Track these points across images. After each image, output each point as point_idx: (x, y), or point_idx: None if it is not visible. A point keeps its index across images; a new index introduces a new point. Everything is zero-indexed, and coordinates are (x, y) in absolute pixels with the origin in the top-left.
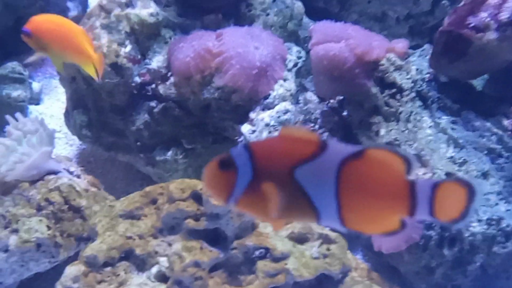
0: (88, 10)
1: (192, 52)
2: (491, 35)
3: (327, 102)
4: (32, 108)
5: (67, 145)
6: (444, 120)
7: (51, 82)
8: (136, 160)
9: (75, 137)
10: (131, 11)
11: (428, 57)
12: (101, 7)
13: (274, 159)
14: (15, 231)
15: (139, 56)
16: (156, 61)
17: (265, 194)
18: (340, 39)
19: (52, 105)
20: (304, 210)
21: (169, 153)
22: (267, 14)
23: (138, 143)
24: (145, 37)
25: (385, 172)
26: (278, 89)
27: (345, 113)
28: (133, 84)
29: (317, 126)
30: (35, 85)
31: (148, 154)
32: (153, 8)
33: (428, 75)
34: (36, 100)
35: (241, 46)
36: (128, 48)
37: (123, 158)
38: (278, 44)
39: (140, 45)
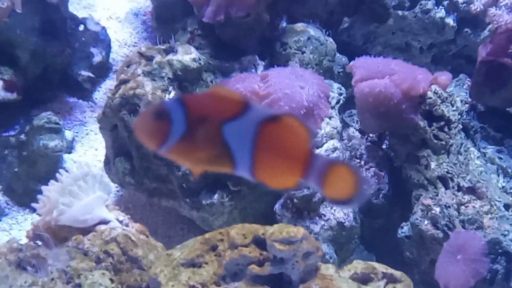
0: (126, 57)
1: None
2: None
3: (367, 136)
4: (66, 157)
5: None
6: (490, 149)
7: (82, 129)
8: (180, 205)
9: (111, 185)
10: (173, 58)
11: (464, 87)
12: (141, 55)
13: (206, 114)
14: (78, 286)
15: None
16: None
17: (195, 146)
18: (383, 75)
19: (86, 152)
20: (224, 161)
21: (215, 196)
22: (303, 52)
23: (183, 187)
24: (188, 82)
25: (293, 137)
26: (325, 127)
27: (384, 147)
28: None
29: (363, 162)
30: (67, 134)
31: (194, 198)
32: (194, 53)
33: (466, 105)
34: (69, 148)
35: (288, 87)
36: (172, 94)
37: (167, 203)
38: (321, 82)
39: (183, 90)
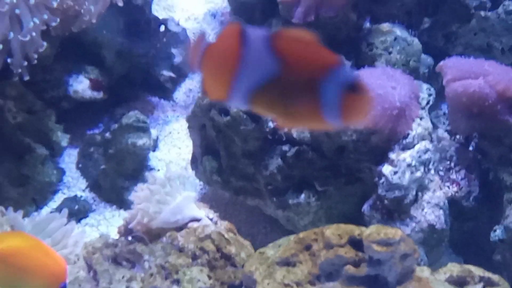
0: None
1: None
2: None
3: (453, 138)
4: (151, 155)
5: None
6: None
7: (164, 128)
8: (265, 204)
9: (196, 182)
10: None
11: None
12: None
13: (303, 62)
14: (176, 281)
15: None
16: None
17: (287, 94)
18: (477, 75)
19: (170, 151)
20: (316, 114)
21: (302, 196)
22: (390, 53)
23: (270, 187)
24: None
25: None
26: (417, 128)
27: (471, 148)
28: (267, 129)
29: (452, 164)
30: (153, 132)
31: (281, 197)
32: None
33: None
34: (154, 147)
35: (380, 88)
36: None
37: (252, 202)
38: (411, 83)
39: None
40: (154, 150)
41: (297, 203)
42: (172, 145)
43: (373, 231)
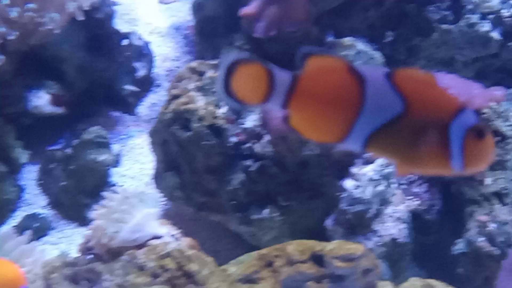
0: (178, 72)
1: None
2: None
3: None
4: (113, 170)
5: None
6: None
7: (127, 143)
8: (228, 220)
9: (159, 198)
10: None
11: None
12: (192, 69)
13: (430, 103)
14: None
15: (234, 116)
16: (250, 120)
17: (413, 135)
18: None
19: (132, 166)
20: (441, 159)
21: (266, 211)
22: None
23: (233, 202)
24: None
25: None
26: None
27: None
28: (229, 145)
29: (415, 177)
30: (114, 147)
31: (244, 213)
32: None
33: None
34: (116, 162)
35: None
36: (224, 109)
37: (215, 217)
38: None
39: None
40: (116, 166)
41: (260, 219)
42: (135, 161)
43: (335, 247)
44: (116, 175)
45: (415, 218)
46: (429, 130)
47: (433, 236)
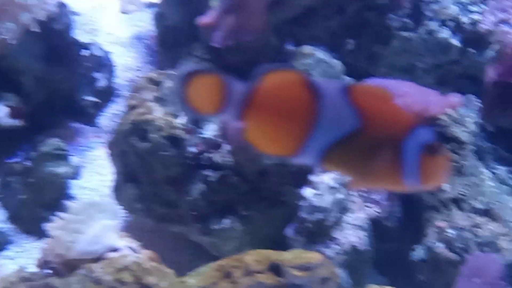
0: (135, 83)
1: None
2: None
3: None
4: (73, 183)
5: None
6: (502, 170)
7: (87, 154)
8: (189, 230)
9: (119, 210)
10: None
11: (473, 107)
12: (150, 80)
13: (384, 118)
14: None
15: (193, 126)
16: (209, 130)
17: (368, 150)
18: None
19: (92, 178)
20: (394, 174)
21: (225, 221)
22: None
23: (193, 213)
24: None
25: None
26: None
27: None
28: (188, 155)
29: None
30: (74, 159)
31: (204, 223)
32: None
33: (477, 126)
34: (75, 174)
35: None
36: (182, 119)
37: (175, 229)
38: None
39: None
40: (76, 178)
41: (221, 229)
42: (95, 172)
43: (292, 256)
44: (76, 187)
45: (375, 225)
46: (384, 147)
47: (393, 243)
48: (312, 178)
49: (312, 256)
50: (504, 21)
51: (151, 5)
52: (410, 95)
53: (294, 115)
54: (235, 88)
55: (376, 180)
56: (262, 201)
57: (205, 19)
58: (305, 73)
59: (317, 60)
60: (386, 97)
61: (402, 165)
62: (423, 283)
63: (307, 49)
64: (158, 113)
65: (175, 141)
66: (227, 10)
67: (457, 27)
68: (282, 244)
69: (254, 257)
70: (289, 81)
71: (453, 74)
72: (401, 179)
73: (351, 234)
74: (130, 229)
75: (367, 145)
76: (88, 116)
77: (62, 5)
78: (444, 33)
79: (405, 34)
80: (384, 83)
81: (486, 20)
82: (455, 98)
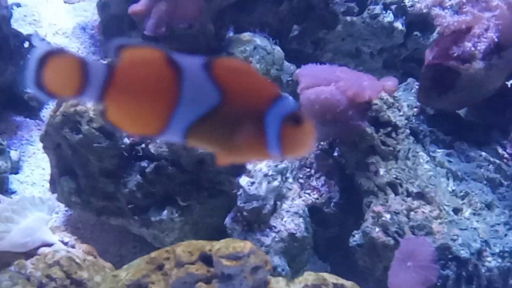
0: None
1: None
2: (478, 65)
3: (318, 144)
4: (12, 177)
5: (53, 212)
6: (439, 153)
7: (28, 148)
8: (129, 223)
9: (59, 204)
10: None
11: (413, 91)
12: None
13: (245, 92)
14: None
15: None
16: None
17: (230, 125)
18: (329, 82)
19: (33, 172)
20: (259, 146)
21: (164, 212)
22: (249, 62)
23: (131, 205)
24: None
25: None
26: None
27: (336, 154)
28: (123, 146)
29: (313, 171)
30: (13, 154)
31: (142, 215)
32: None
33: (415, 109)
34: (15, 169)
35: None
36: None
37: (116, 221)
38: None
39: None
40: (16, 173)
41: (160, 220)
42: (36, 166)
43: (221, 246)
44: (15, 182)
45: (315, 212)
46: (246, 120)
47: (334, 228)
48: (249, 166)
49: (241, 245)
50: (438, 4)
51: None
52: (344, 80)
53: (155, 94)
54: (94, 68)
55: (242, 153)
56: (201, 191)
57: (136, 7)
58: (165, 49)
59: (255, 46)
60: (247, 71)
61: (265, 137)
62: (364, 268)
63: (246, 35)
64: (89, 104)
65: (108, 133)
66: None
67: (400, 10)
68: (225, 234)
69: (185, 248)
70: (149, 59)
71: (400, 58)
72: (265, 151)
73: (288, 221)
74: (72, 223)
75: (229, 120)
76: (30, 110)
77: None
78: (387, 17)
79: (348, 18)
80: (320, 68)
81: (422, 2)
82: (389, 82)
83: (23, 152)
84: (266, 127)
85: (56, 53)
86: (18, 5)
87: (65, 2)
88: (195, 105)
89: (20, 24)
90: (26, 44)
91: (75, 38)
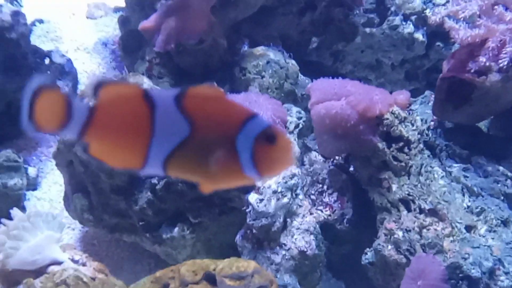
0: (80, 90)
1: None
2: (494, 77)
3: (332, 160)
4: (29, 194)
5: (69, 229)
6: (455, 168)
7: (47, 164)
8: (141, 240)
9: (76, 221)
10: None
11: (430, 103)
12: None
13: (215, 120)
14: None
15: None
16: None
17: (202, 154)
18: (340, 96)
19: (50, 189)
20: (234, 168)
21: (176, 229)
22: (262, 77)
23: (143, 223)
24: None
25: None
26: None
27: (351, 169)
28: None
29: (325, 187)
30: (31, 170)
31: (154, 232)
32: (147, 83)
33: (432, 122)
34: (33, 185)
35: None
36: None
37: (128, 238)
38: (277, 107)
39: None
40: (34, 189)
41: (171, 237)
42: (54, 182)
43: (225, 265)
44: (33, 198)
45: (327, 229)
46: (218, 147)
47: (348, 245)
48: (257, 183)
49: (245, 265)
50: (451, 15)
51: (118, 10)
52: (354, 94)
53: (132, 129)
54: (77, 105)
55: (222, 180)
56: (211, 208)
57: (145, 24)
58: (140, 85)
59: (268, 60)
60: (218, 98)
61: (239, 160)
62: (378, 286)
63: (259, 50)
64: None
65: None
66: (167, 12)
67: (421, 21)
68: (237, 252)
69: (189, 267)
70: (126, 95)
71: (423, 69)
72: (242, 174)
73: (299, 239)
74: (87, 239)
75: (202, 148)
76: None
77: (17, 14)
78: (408, 28)
79: (367, 30)
80: (331, 83)
81: (436, 15)
82: (401, 95)
83: (42, 168)
84: (238, 150)
85: (47, 87)
86: (41, 21)
87: (87, 18)
88: (167, 138)
89: (42, 41)
90: (47, 61)
91: (96, 54)
